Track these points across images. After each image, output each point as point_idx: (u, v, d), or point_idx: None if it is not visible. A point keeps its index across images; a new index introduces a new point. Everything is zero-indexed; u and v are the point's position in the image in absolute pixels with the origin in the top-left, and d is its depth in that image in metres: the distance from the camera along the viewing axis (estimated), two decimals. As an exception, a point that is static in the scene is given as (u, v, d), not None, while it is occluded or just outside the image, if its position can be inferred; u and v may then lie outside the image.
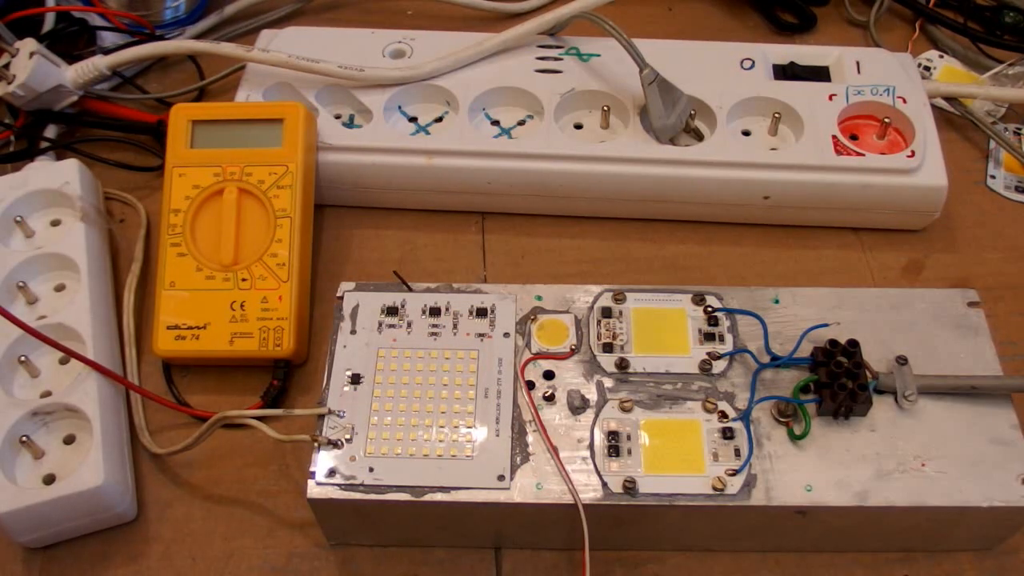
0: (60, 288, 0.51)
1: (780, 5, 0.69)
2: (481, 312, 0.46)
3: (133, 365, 0.50)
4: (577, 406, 0.43)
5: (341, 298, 0.46)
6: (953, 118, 0.63)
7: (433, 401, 0.43)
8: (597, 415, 0.43)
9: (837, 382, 0.42)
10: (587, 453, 0.41)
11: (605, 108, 0.57)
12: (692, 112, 0.56)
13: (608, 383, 0.44)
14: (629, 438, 0.42)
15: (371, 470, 0.41)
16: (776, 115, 0.56)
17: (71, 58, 0.59)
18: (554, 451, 0.41)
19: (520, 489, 0.40)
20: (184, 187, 0.51)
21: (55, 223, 0.54)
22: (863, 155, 0.54)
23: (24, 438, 0.44)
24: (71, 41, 0.63)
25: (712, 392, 0.43)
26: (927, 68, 0.65)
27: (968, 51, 0.67)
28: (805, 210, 0.56)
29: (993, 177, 0.60)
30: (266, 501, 0.46)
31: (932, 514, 0.41)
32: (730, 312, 0.46)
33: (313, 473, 0.41)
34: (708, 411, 0.42)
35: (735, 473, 0.41)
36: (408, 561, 0.44)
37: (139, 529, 0.45)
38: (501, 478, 0.41)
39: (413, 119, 0.58)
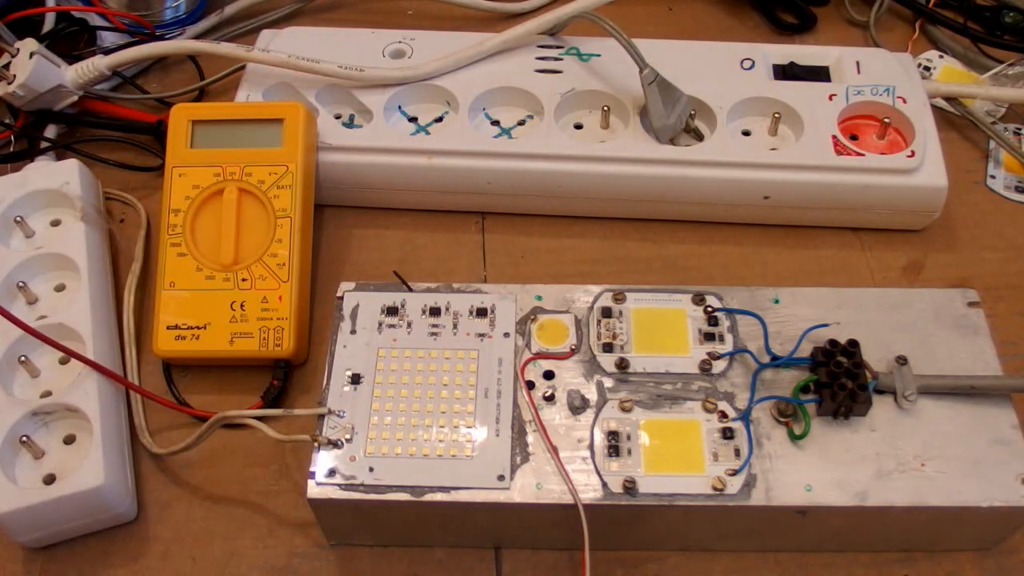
0: (60, 288, 0.51)
1: (780, 5, 0.69)
2: (481, 312, 0.46)
3: (133, 365, 0.50)
4: (577, 406, 0.43)
5: (341, 298, 0.46)
6: (953, 118, 0.63)
7: (433, 401, 0.43)
8: (597, 415, 0.43)
9: (837, 382, 0.42)
10: (587, 453, 0.41)
11: (605, 108, 0.57)
12: (692, 112, 0.56)
13: (608, 383, 0.44)
14: (629, 438, 0.42)
15: (371, 470, 0.41)
16: (776, 115, 0.56)
17: (71, 58, 0.59)
18: (554, 451, 0.41)
19: (520, 489, 0.40)
20: (184, 187, 0.51)
21: (55, 223, 0.54)
22: (863, 155, 0.54)
23: (24, 438, 0.44)
24: (71, 41, 0.63)
25: (712, 392, 0.43)
26: (927, 68, 0.65)
27: (968, 51, 0.67)
28: (805, 210, 0.56)
29: (993, 177, 0.60)
30: (266, 501, 0.46)
31: (932, 514, 0.41)
32: (730, 312, 0.46)
33: (313, 473, 0.41)
34: (708, 411, 0.42)
35: (735, 473, 0.41)
36: (408, 561, 0.44)
37: (139, 529, 0.45)
38: (501, 478, 0.41)
39: (413, 119, 0.58)
